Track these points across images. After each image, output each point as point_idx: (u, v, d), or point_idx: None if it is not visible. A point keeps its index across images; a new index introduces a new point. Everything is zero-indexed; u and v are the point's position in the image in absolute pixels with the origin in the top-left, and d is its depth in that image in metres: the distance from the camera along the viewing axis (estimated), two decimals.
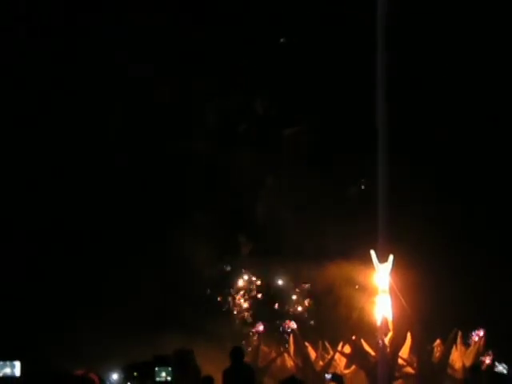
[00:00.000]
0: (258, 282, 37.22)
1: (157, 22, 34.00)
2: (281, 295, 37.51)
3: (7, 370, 6.46)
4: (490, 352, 32.95)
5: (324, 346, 33.85)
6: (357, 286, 35.14)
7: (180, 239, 32.53)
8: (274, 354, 33.86)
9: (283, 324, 35.71)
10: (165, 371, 6.09)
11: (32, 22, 32.86)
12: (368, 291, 34.07)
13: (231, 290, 36.95)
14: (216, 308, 35.73)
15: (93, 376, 4.43)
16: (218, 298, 36.64)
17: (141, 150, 33.01)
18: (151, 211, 33.63)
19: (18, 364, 6.38)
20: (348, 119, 33.36)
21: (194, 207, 34.61)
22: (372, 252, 32.70)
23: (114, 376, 23.44)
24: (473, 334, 33.63)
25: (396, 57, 27.34)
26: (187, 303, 33.05)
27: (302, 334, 34.58)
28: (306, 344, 33.95)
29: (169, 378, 6.03)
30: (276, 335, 35.57)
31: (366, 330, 33.79)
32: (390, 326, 33.61)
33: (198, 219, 34.28)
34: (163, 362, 6.06)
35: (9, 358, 6.40)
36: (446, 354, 33.02)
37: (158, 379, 5.94)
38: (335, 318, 35.39)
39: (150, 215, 33.60)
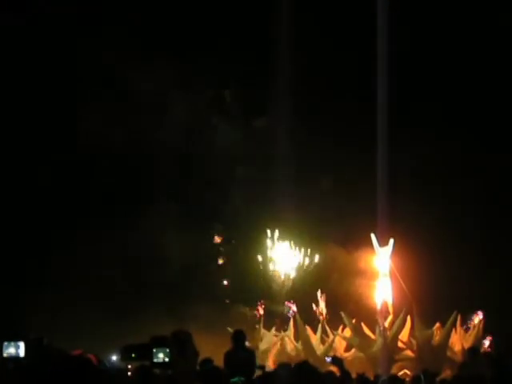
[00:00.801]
0: None
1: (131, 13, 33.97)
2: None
3: (12, 351, 6.55)
4: (490, 335, 33.13)
5: (324, 329, 33.96)
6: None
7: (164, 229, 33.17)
8: (274, 338, 33.99)
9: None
10: (162, 352, 6.09)
11: None
12: (368, 275, 34.11)
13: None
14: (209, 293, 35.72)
15: (90, 356, 4.44)
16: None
17: (114, 139, 32.91)
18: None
19: (22, 344, 6.46)
20: (345, 91, 33.09)
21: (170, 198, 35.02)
22: (372, 236, 32.74)
23: (114, 358, 23.52)
24: (472, 317, 33.75)
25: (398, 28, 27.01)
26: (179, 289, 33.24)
27: (302, 317, 34.71)
28: (307, 327, 34.06)
29: (166, 359, 6.03)
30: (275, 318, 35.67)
31: (366, 313, 33.84)
32: (390, 309, 33.70)
33: (174, 209, 34.62)
34: (161, 344, 6.06)
35: (13, 338, 6.49)
36: (446, 336, 33.13)
37: (155, 360, 5.93)
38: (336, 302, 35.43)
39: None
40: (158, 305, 29.77)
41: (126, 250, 33.23)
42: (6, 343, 6.31)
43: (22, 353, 6.30)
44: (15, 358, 6.42)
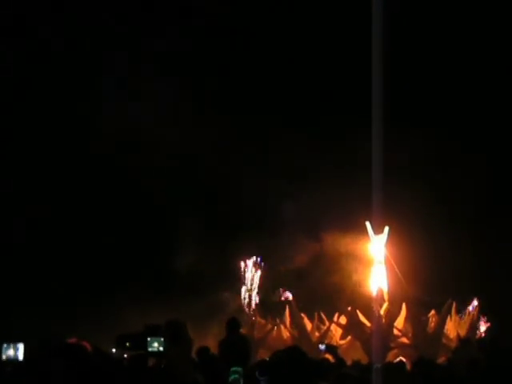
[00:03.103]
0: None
1: None
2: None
3: (10, 353, 6.49)
4: (485, 320, 33.27)
5: (320, 317, 34.09)
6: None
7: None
8: (269, 326, 34.12)
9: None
10: (157, 341, 6.16)
11: None
12: (363, 262, 34.22)
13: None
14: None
15: (85, 344, 4.45)
16: None
17: None
18: None
19: (21, 346, 6.39)
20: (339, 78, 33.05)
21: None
22: (367, 223, 32.83)
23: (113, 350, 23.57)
24: (467, 304, 33.90)
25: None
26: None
27: (298, 305, 34.81)
28: (302, 315, 34.19)
29: (161, 349, 6.10)
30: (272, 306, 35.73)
31: (362, 301, 33.96)
32: (386, 297, 33.83)
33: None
34: (155, 333, 6.12)
35: (13, 340, 6.47)
36: (441, 324, 33.29)
37: (150, 349, 5.99)
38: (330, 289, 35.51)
39: None
40: (147, 296, 29.86)
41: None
42: (5, 345, 6.30)
43: (20, 355, 6.28)
44: (14, 361, 6.40)
